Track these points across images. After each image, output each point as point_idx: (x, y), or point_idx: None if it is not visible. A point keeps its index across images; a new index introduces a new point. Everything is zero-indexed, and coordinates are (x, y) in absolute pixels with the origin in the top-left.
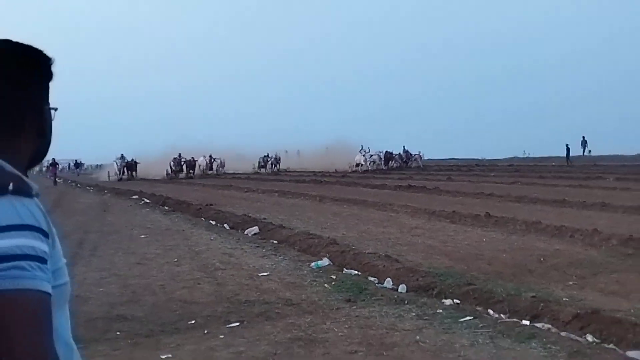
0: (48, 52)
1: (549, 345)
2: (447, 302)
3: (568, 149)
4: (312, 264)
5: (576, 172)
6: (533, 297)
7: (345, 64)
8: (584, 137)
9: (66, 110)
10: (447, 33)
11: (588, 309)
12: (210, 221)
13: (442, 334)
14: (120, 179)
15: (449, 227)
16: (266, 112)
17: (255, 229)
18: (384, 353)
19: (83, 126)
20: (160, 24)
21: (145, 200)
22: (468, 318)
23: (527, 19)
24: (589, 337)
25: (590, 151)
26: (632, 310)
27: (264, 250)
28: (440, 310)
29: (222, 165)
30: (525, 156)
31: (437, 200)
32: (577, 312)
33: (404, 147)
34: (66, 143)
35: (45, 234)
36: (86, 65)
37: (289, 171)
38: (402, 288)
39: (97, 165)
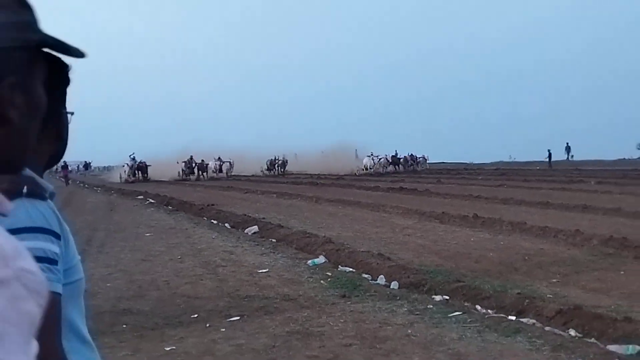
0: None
1: (533, 339)
2: (437, 298)
3: (550, 154)
4: (309, 261)
5: (559, 175)
6: (518, 293)
7: (343, 67)
8: (567, 144)
9: (81, 112)
10: (434, 42)
11: (571, 305)
12: (212, 220)
13: (432, 328)
14: (133, 182)
15: (438, 227)
16: (277, 115)
17: (255, 228)
18: (377, 346)
19: (97, 128)
20: (174, 31)
21: (150, 200)
22: (457, 313)
23: (511, 28)
24: (572, 332)
25: (572, 156)
26: (612, 307)
27: (263, 248)
28: (431, 306)
29: (231, 167)
30: (511, 160)
31: (427, 202)
32: (561, 308)
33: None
34: (78, 145)
35: (57, 236)
36: (101, 69)
37: (295, 173)
38: (394, 285)
39: (105, 167)
